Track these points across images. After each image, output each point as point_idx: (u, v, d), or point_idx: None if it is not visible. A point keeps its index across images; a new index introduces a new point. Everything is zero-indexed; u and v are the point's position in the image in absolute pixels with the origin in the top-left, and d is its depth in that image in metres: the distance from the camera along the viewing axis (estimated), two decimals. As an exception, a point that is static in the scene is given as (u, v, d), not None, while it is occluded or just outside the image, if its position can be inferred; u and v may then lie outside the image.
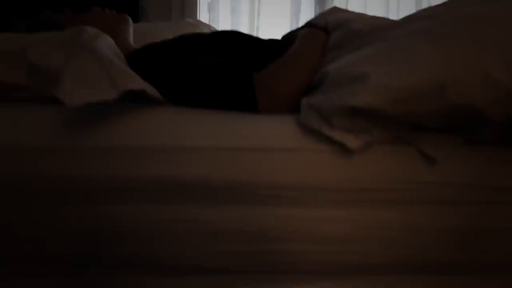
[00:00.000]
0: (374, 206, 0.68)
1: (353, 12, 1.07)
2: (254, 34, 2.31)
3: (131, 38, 1.08)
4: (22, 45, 0.76)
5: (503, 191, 0.69)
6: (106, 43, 0.76)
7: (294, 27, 2.21)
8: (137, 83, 0.69)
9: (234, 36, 1.04)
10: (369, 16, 1.00)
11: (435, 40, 0.66)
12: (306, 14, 2.37)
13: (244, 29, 2.34)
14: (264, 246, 0.68)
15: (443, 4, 0.79)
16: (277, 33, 2.23)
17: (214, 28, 1.90)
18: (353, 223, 0.68)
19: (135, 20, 1.91)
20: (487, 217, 0.70)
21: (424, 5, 2.44)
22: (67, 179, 0.67)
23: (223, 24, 2.38)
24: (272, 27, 2.31)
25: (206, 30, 1.69)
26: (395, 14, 2.44)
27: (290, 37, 1.13)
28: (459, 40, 0.65)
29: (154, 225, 0.67)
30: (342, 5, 2.38)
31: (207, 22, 2.05)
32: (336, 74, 0.70)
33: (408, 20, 0.79)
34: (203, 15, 2.36)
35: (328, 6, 2.33)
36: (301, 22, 2.25)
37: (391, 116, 0.64)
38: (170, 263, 0.69)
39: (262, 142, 0.68)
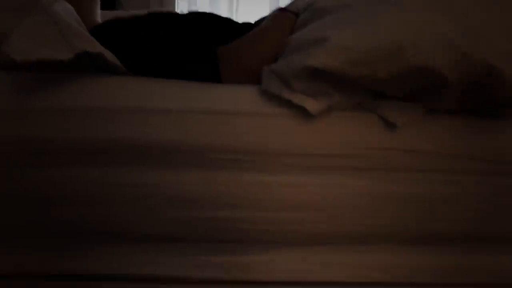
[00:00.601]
0: (336, 172, 0.67)
1: (323, -4, 1.08)
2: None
3: (98, 18, 1.06)
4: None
5: (464, 158, 0.69)
6: (66, 9, 0.74)
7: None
8: (95, 46, 0.67)
9: (206, 16, 1.03)
10: (337, -4, 1.00)
11: (397, 6, 0.67)
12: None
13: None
14: (225, 213, 0.67)
15: None
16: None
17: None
18: (316, 189, 0.67)
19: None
20: (450, 185, 0.70)
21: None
22: (25, 141, 0.65)
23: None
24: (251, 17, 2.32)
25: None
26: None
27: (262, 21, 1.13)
28: (421, 6, 0.66)
29: (109, 188, 0.65)
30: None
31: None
32: (297, 40, 0.70)
33: None
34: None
35: (307, 2, 2.35)
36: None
37: (352, 80, 0.64)
38: (132, 230, 0.68)
39: (221, 106, 0.66)
